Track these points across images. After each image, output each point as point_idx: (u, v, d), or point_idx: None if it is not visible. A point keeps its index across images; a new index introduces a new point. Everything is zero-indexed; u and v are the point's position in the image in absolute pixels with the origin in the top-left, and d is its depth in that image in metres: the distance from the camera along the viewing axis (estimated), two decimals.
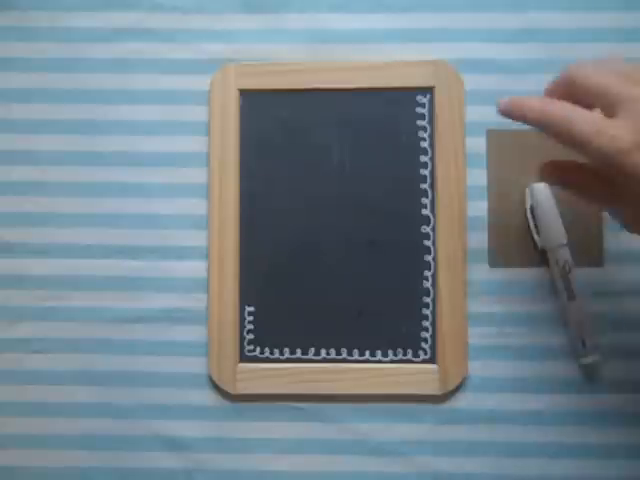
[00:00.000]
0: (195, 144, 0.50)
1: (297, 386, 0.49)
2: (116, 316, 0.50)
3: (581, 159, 0.37)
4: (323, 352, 0.49)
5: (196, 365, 0.50)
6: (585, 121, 0.34)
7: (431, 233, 0.49)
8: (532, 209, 0.47)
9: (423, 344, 0.49)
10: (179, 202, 0.50)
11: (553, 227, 0.47)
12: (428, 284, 0.49)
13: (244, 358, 0.49)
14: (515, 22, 0.50)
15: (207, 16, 0.51)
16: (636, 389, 0.48)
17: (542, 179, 0.41)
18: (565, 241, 0.47)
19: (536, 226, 0.47)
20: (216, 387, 0.49)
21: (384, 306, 0.49)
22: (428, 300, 0.49)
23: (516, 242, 0.49)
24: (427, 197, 0.49)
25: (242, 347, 0.49)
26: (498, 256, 0.49)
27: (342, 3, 0.51)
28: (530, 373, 0.49)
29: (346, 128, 0.50)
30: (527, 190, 0.48)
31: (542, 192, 0.47)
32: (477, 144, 0.49)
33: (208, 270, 0.50)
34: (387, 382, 0.49)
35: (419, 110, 0.50)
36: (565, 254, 0.47)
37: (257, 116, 0.50)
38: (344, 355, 0.49)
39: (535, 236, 0.48)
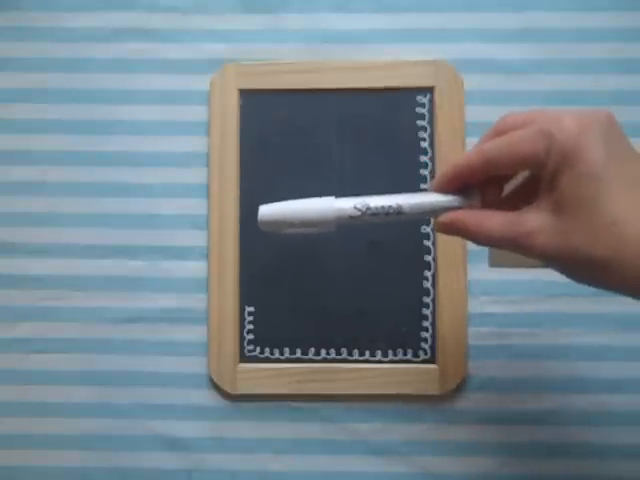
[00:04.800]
0: (195, 144, 0.50)
1: (297, 386, 0.49)
2: (116, 316, 0.50)
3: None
4: (323, 352, 0.49)
5: (196, 365, 0.50)
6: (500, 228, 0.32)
7: (431, 233, 0.49)
8: None
9: (423, 344, 0.49)
10: (179, 202, 0.50)
11: None
12: (428, 284, 0.49)
13: (244, 358, 0.49)
14: (515, 22, 0.50)
15: (207, 16, 0.51)
16: (635, 389, 0.48)
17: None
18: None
19: None
20: (216, 387, 0.49)
21: (384, 306, 0.49)
22: (428, 300, 0.49)
23: None
24: None
25: (242, 347, 0.49)
26: (498, 256, 0.49)
27: (342, 3, 0.51)
28: (530, 373, 0.49)
29: (346, 128, 0.50)
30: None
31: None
32: None
33: (208, 270, 0.50)
34: (387, 382, 0.49)
35: (419, 110, 0.50)
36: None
37: (257, 116, 0.50)
38: (344, 355, 0.49)
39: None
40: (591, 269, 0.30)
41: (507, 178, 0.35)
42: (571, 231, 0.30)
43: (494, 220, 0.32)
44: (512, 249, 0.32)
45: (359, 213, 0.36)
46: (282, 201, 0.37)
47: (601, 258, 0.29)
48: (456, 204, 0.35)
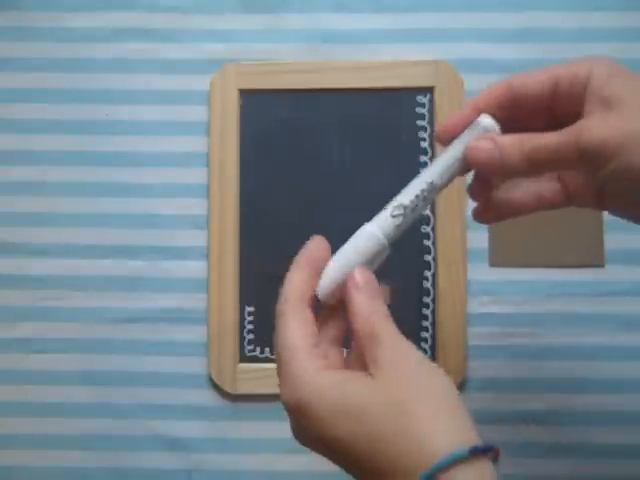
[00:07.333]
0: (195, 144, 0.50)
1: None
2: (116, 316, 0.50)
3: None
4: None
5: (196, 365, 0.50)
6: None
7: (431, 233, 0.49)
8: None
9: (423, 344, 0.49)
10: (179, 202, 0.50)
11: None
12: (428, 284, 0.49)
13: (244, 358, 0.49)
14: (515, 22, 0.50)
15: (207, 16, 0.51)
16: (635, 389, 0.48)
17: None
18: None
19: None
20: (216, 387, 0.49)
21: None
22: (428, 300, 0.49)
23: (516, 242, 0.49)
24: None
25: (242, 347, 0.49)
26: (498, 256, 0.49)
27: (342, 3, 0.51)
28: (530, 373, 0.49)
29: (346, 128, 0.50)
30: None
31: None
32: None
33: (208, 270, 0.50)
34: None
35: (419, 110, 0.50)
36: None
37: (257, 116, 0.50)
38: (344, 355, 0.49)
39: None
40: None
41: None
42: (626, 120, 0.29)
43: (545, 134, 0.30)
44: (570, 156, 0.30)
45: (401, 218, 0.34)
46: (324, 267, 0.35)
47: None
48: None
